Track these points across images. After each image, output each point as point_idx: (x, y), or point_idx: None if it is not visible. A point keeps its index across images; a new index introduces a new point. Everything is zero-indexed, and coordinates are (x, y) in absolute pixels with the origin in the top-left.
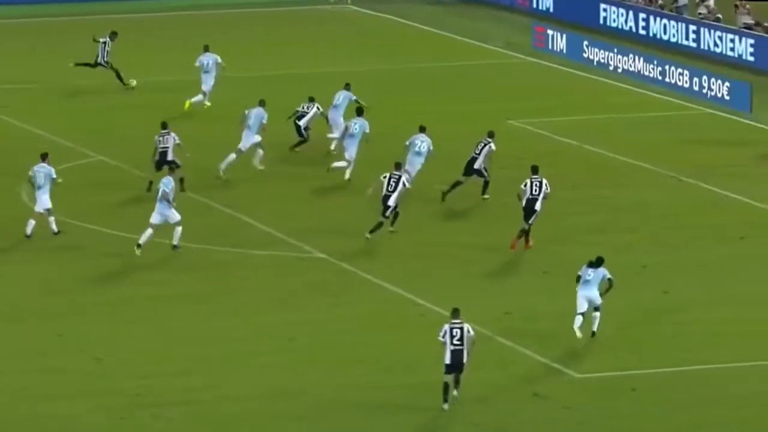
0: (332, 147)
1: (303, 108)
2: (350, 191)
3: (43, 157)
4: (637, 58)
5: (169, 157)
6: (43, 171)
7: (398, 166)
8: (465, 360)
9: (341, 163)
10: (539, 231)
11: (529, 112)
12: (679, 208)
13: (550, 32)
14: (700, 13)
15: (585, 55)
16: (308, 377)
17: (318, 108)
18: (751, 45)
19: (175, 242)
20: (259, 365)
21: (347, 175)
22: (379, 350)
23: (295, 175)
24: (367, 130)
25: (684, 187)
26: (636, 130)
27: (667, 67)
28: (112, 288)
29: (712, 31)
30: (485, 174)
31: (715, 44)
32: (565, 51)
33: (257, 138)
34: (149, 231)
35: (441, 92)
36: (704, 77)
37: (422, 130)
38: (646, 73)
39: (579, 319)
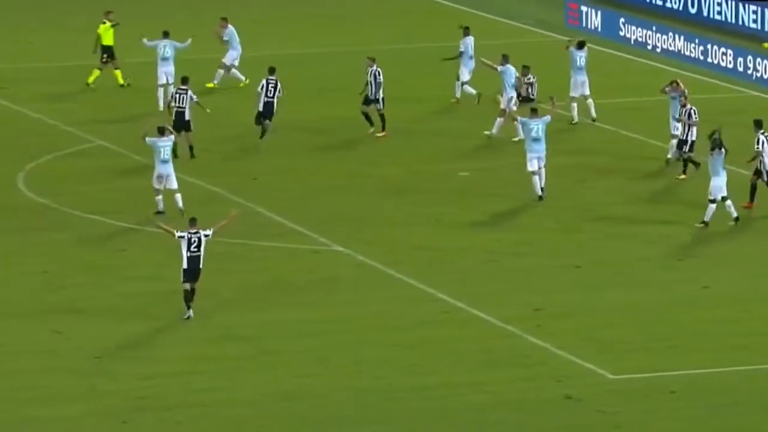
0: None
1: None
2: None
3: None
4: (677, 36)
5: (187, 118)
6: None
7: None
8: (201, 266)
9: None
10: (569, 223)
11: (560, 95)
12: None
13: (584, 8)
14: None
15: (621, 34)
16: (321, 379)
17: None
18: None
19: None
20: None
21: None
22: (394, 353)
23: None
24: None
25: (731, 176)
26: None
27: (709, 47)
28: (109, 283)
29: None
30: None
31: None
32: (600, 29)
33: None
34: None
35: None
36: (749, 57)
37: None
38: (688, 53)
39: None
